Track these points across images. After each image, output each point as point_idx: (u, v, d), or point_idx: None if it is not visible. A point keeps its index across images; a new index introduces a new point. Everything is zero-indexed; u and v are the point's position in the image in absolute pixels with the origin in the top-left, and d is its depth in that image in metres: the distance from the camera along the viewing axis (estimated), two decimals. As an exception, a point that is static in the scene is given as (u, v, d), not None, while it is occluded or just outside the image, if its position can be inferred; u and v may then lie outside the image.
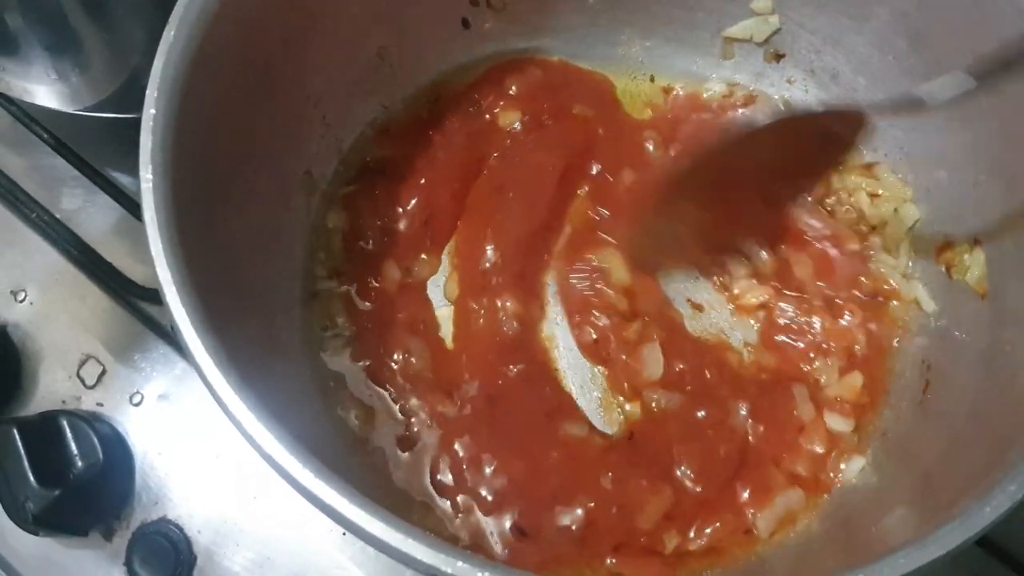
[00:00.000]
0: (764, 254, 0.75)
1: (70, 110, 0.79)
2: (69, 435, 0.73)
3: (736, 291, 0.76)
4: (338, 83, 0.75)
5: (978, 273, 0.66)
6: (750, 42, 0.80)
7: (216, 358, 0.47)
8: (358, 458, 0.68)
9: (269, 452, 0.43)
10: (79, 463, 0.72)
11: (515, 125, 0.81)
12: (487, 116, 0.80)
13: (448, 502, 0.67)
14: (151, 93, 0.53)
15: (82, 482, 0.72)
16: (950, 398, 0.64)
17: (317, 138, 0.75)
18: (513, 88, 0.82)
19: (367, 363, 0.72)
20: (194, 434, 0.77)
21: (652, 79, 0.84)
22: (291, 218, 0.73)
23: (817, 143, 0.69)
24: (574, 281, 0.76)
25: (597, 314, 0.74)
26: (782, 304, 0.74)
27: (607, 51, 0.84)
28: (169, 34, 0.55)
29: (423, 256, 0.77)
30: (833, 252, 0.75)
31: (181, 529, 0.74)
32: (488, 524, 0.66)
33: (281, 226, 0.72)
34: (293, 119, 0.72)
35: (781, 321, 0.74)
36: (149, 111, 0.53)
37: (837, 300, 0.73)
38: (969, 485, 0.50)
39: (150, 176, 0.51)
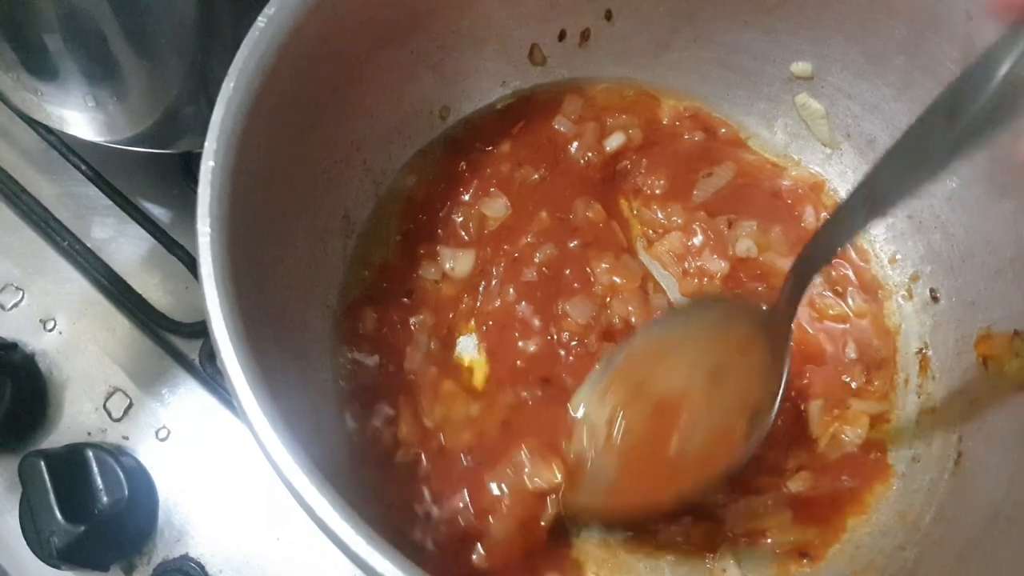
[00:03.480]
0: None
1: (106, 141, 0.79)
2: (95, 468, 0.73)
3: None
4: (380, 128, 0.75)
5: (1016, 366, 0.65)
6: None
7: (270, 418, 0.47)
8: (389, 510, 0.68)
9: (336, 530, 0.43)
10: (104, 498, 0.72)
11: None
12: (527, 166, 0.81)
13: None
14: (210, 145, 0.53)
15: (107, 517, 0.72)
16: (983, 475, 0.64)
17: (356, 181, 0.75)
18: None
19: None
20: (218, 471, 0.77)
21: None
22: (328, 261, 0.73)
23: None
24: None
25: None
26: None
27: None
28: (228, 85, 0.55)
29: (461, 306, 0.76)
30: None
31: (202, 567, 0.74)
32: None
33: (318, 269, 0.72)
34: (335, 163, 0.72)
35: None
36: (208, 163, 0.53)
37: None
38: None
39: (208, 229, 0.51)
